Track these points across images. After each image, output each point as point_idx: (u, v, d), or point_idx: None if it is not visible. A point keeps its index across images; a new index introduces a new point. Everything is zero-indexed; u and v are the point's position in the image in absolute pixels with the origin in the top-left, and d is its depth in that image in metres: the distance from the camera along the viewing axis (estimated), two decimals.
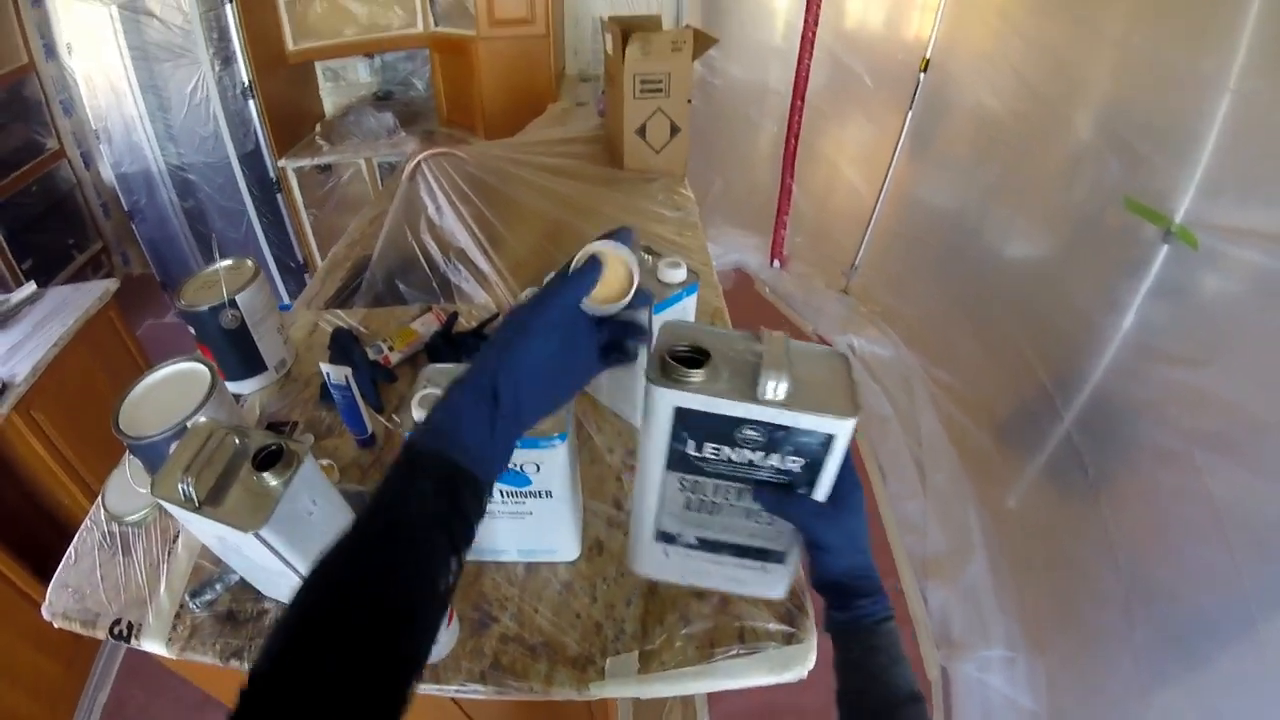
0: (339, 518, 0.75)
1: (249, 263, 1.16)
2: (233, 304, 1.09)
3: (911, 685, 0.55)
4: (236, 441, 0.70)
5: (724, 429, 0.53)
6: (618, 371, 1.03)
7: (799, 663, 0.74)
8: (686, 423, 0.54)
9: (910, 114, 2.53)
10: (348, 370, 0.94)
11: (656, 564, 0.68)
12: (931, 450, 2.33)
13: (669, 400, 0.53)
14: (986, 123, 2.20)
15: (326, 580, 0.45)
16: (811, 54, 2.77)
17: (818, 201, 3.18)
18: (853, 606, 0.57)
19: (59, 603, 0.90)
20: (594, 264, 0.53)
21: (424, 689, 0.75)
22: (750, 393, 0.51)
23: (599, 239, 0.54)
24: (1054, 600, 1.74)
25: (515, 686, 0.73)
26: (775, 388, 0.50)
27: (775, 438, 0.53)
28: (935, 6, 2.31)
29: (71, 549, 0.97)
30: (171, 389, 1.02)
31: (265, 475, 0.65)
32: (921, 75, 2.43)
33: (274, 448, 0.67)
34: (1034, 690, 1.67)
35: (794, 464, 0.55)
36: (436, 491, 0.47)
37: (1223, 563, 1.22)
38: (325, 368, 0.96)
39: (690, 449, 0.56)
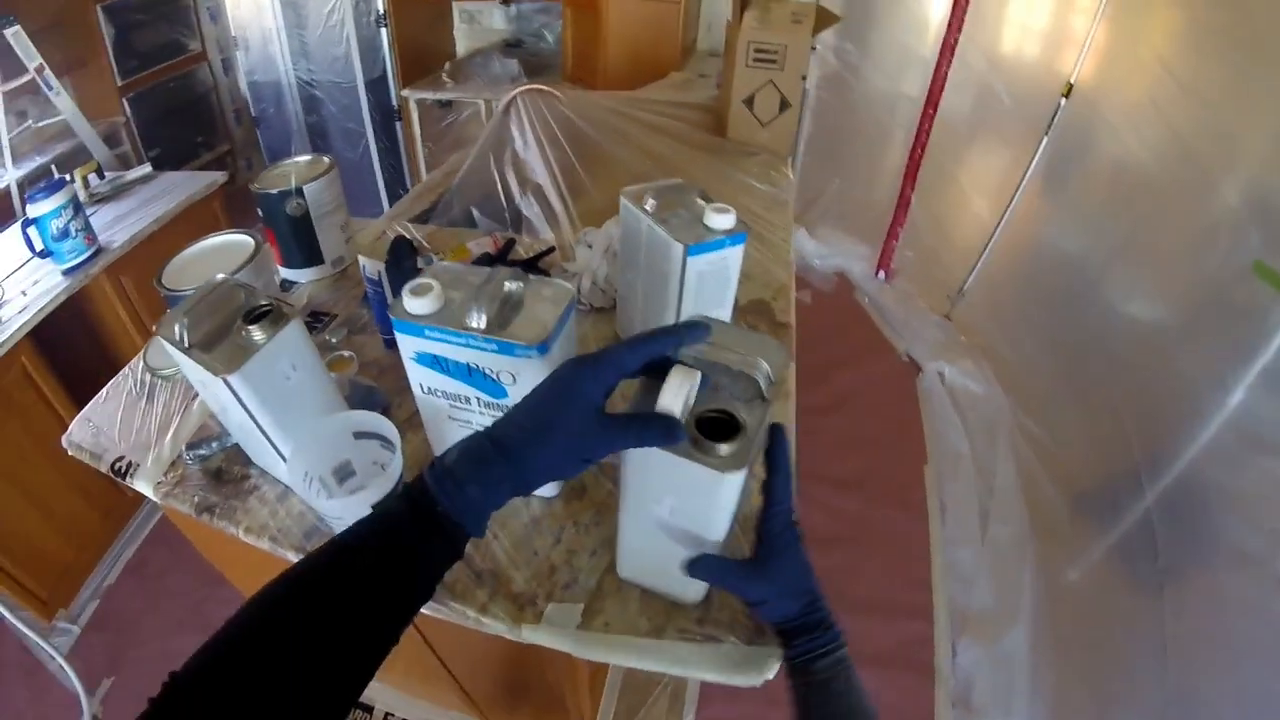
0: (318, 390, 0.73)
1: (326, 159, 1.17)
2: (299, 193, 1.10)
3: (866, 713, 0.55)
4: (243, 298, 0.69)
5: None
6: (624, 312, 0.97)
7: (757, 667, 0.63)
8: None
9: (1045, 140, 2.33)
10: (380, 265, 0.92)
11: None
12: (1001, 501, 2.16)
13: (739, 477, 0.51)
14: (1127, 169, 1.99)
15: (290, 593, 0.45)
16: (950, 61, 2.59)
17: (935, 220, 3.00)
18: (792, 645, 0.57)
19: (78, 435, 0.94)
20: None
21: None
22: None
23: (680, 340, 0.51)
24: (1089, 691, 1.56)
25: (451, 607, 0.68)
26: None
27: None
28: (1086, 30, 2.11)
29: (104, 390, 1.01)
30: (220, 257, 1.03)
31: (251, 329, 0.64)
32: (1062, 100, 2.24)
33: (267, 306, 0.66)
34: None
35: None
36: (430, 537, 0.48)
37: None
38: (362, 259, 0.95)
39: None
